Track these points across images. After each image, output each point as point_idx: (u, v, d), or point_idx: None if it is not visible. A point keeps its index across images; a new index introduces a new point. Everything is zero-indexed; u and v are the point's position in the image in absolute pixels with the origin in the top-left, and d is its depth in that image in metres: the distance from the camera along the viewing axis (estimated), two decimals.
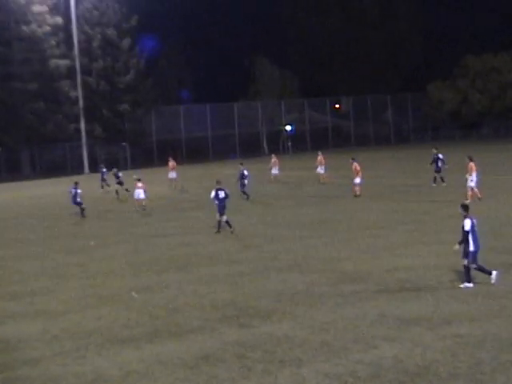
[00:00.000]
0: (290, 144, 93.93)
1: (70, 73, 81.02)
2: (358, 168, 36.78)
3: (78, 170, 78.27)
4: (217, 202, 27.03)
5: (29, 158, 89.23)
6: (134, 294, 17.63)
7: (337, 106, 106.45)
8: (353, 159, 37.82)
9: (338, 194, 37.97)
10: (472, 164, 31.66)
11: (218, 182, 27.87)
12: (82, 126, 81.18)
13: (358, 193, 36.29)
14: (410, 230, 24.60)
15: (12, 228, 34.62)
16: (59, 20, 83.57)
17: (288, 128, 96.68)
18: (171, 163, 52.05)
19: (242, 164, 40.86)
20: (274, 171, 48.36)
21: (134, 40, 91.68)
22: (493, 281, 15.95)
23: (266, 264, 20.37)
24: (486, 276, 16.07)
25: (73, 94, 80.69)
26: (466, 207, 16.34)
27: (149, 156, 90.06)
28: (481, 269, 16.06)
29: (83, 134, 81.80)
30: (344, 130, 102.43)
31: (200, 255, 22.67)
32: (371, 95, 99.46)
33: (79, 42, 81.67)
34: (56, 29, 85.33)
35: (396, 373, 11.00)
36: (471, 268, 15.93)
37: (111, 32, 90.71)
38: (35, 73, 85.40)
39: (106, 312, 15.96)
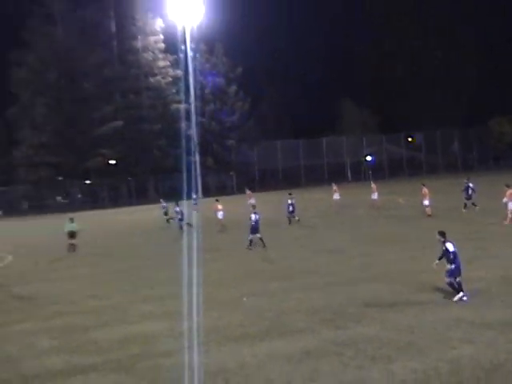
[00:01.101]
0: (370, 172, 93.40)
1: (187, 115, 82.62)
2: (427, 191, 36.30)
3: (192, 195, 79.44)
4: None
5: (153, 185, 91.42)
6: (244, 299, 17.76)
7: (410, 139, 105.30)
8: (423, 185, 37.36)
9: (413, 215, 37.31)
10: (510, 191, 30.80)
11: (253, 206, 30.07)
12: (197, 158, 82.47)
13: (429, 213, 35.64)
14: (477, 246, 23.95)
15: (145, 241, 35.52)
16: (179, 72, 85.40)
17: (368, 159, 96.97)
18: (248, 192, 54.01)
19: (290, 194, 40.89)
20: (336, 197, 47.94)
21: (239, 87, 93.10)
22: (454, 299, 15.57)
23: (355, 275, 20.18)
24: None
25: (189, 132, 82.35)
26: (443, 233, 16.00)
27: (251, 183, 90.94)
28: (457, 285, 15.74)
29: (198, 165, 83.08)
30: (417, 160, 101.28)
31: (296, 268, 22.62)
32: (440, 130, 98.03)
33: (194, 89, 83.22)
34: (176, 79, 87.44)
35: (473, 369, 10.76)
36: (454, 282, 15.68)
37: (220, 80, 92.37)
38: (159, 115, 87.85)
39: (223, 314, 16.09)
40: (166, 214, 44.13)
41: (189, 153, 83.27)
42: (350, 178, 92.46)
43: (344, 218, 39.11)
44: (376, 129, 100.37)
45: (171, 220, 42.00)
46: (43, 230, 44.59)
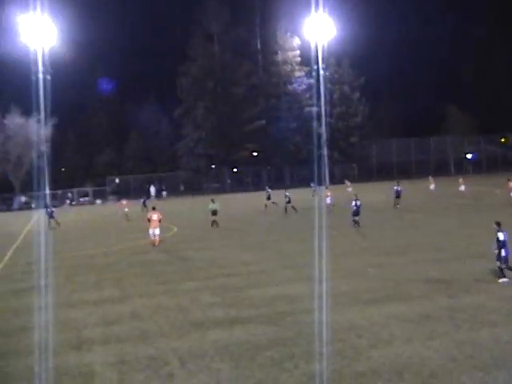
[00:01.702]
0: (470, 167, 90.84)
1: (318, 116, 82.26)
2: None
3: (320, 183, 79.32)
4: None
5: (289, 174, 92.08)
6: (369, 269, 17.62)
7: (503, 140, 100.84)
8: (508, 179, 35.97)
9: (507, 204, 35.17)
10: None
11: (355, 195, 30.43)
12: (325, 152, 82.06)
13: None
14: None
15: (279, 219, 35.88)
16: (312, 81, 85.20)
17: (469, 156, 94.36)
18: (348, 183, 56.65)
19: (397, 182, 40.33)
20: (431, 187, 47.61)
21: (361, 93, 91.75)
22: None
23: (462, 253, 19.49)
24: None
25: (319, 130, 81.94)
26: (498, 223, 15.26)
27: (370, 174, 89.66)
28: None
29: (326, 158, 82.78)
30: (510, 158, 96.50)
31: (409, 245, 22.09)
32: None
33: (324, 95, 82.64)
34: (309, 87, 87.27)
35: None
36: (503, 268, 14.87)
37: (346, 88, 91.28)
38: (295, 116, 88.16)
39: (351, 281, 16.04)
40: (268, 198, 44.51)
41: (319, 147, 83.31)
42: (452, 172, 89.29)
43: (445, 206, 37.66)
44: (475, 130, 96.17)
45: (274, 203, 42.64)
46: (199, 208, 46.06)
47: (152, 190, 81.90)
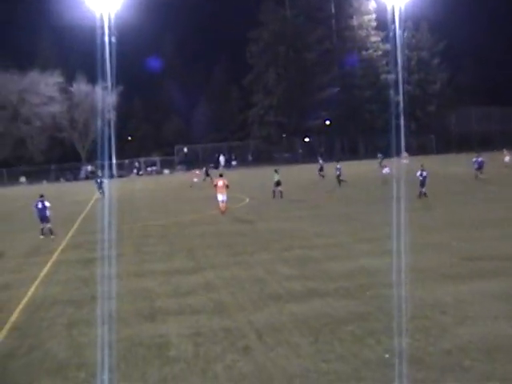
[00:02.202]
0: None
1: (395, 84, 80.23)
2: None
3: (396, 154, 77.69)
4: None
5: (363, 144, 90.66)
6: (453, 243, 17.04)
7: None
8: None
9: None
10: None
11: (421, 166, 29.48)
12: (402, 121, 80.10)
13: None
14: None
15: (353, 191, 35.43)
16: (388, 46, 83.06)
17: None
18: (405, 154, 57.58)
19: (477, 153, 39.14)
20: (506, 159, 47.06)
21: (441, 59, 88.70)
22: None
23: None
24: None
25: (396, 98, 79.97)
26: None
27: (448, 145, 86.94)
28: None
29: (402, 127, 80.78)
30: None
31: (496, 219, 21.21)
32: None
33: (401, 61, 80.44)
34: (386, 53, 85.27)
35: None
36: None
37: (424, 54, 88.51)
38: (370, 84, 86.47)
39: (433, 256, 15.52)
40: (321, 169, 45.78)
41: (395, 117, 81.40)
42: None
43: None
44: None
45: (322, 175, 44.71)
46: (269, 178, 46.05)
47: (221, 159, 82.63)
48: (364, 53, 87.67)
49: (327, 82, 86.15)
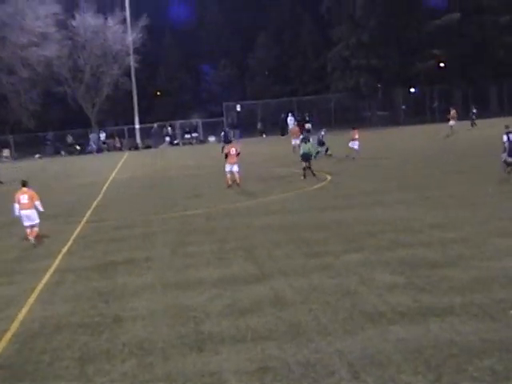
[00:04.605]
0: None
1: None
2: None
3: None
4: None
5: (496, 94, 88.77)
6: None
7: None
8: None
9: None
10: None
11: (506, 127, 28.80)
12: None
13: None
14: None
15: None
16: None
17: None
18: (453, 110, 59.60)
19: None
20: None
21: None
22: None
23: None
24: None
25: None
26: None
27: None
28: None
29: None
30: None
31: None
32: None
33: None
34: None
35: None
36: None
37: None
38: (506, 3, 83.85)
39: None
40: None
41: None
42: None
43: None
44: None
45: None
46: (364, 146, 45.89)
47: (290, 120, 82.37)
48: None
49: (441, 4, 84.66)
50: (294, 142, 47.72)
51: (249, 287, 14.94)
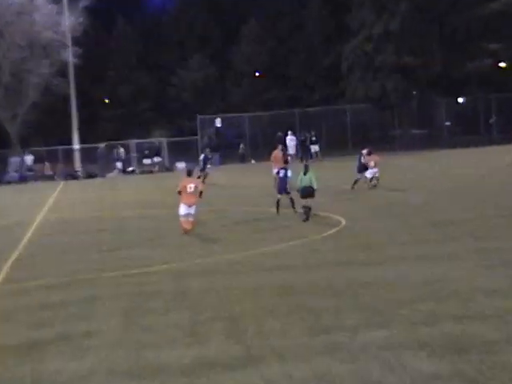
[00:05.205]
0: None
1: None
2: None
3: None
4: None
5: None
6: None
7: None
8: None
9: None
10: None
11: None
12: None
13: None
14: None
15: None
16: None
17: None
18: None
19: None
20: None
21: None
22: None
23: None
24: None
25: None
26: None
27: None
28: None
29: None
30: None
31: None
32: None
33: None
34: None
35: None
36: None
37: None
38: None
39: None
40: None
41: None
42: None
43: None
44: None
45: None
46: (386, 175, 46.36)
47: (290, 140, 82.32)
48: None
49: None
50: (275, 171, 47.61)
51: (231, 375, 14.92)
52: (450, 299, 19.45)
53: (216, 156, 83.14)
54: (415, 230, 31.15)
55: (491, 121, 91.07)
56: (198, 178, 54.53)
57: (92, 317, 20.49)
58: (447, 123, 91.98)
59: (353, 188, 47.35)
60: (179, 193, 34.10)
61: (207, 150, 70.33)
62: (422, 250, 26.40)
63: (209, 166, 63.73)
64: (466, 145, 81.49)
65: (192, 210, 33.91)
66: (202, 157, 64.96)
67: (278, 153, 50.31)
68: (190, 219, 33.92)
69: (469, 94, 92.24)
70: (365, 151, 47.86)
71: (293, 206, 38.11)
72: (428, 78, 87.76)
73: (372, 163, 45.38)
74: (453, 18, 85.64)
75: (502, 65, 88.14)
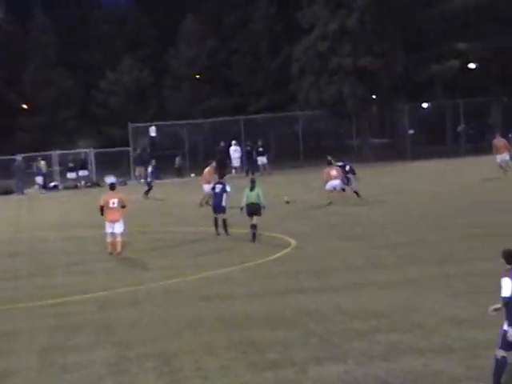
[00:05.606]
0: None
1: None
2: None
3: None
4: None
5: None
6: None
7: None
8: None
9: None
10: None
11: None
12: None
13: None
14: None
15: None
16: None
17: None
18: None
19: None
20: None
21: None
22: None
23: None
24: None
25: None
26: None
27: None
28: None
29: None
30: None
31: None
32: None
33: None
34: None
35: None
36: None
37: None
38: None
39: None
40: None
41: None
42: None
43: None
44: None
45: None
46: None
47: (234, 150, 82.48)
48: None
49: None
50: (207, 188, 47.23)
51: None
52: (412, 331, 19.56)
53: (149, 168, 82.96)
54: (374, 252, 31.21)
55: (459, 129, 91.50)
56: (147, 192, 58.49)
57: (6, 355, 20.32)
58: (410, 131, 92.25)
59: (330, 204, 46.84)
60: (101, 208, 34.17)
61: (154, 161, 70.31)
62: (381, 276, 26.51)
63: (149, 179, 63.56)
64: (431, 155, 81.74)
65: (118, 229, 33.77)
66: (150, 169, 64.69)
67: (209, 169, 50.09)
68: (118, 239, 33.79)
69: (434, 99, 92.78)
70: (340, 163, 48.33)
71: (225, 229, 38.26)
72: (389, 82, 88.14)
73: (333, 172, 45.44)
74: (416, 15, 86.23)
75: (472, 66, 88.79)
